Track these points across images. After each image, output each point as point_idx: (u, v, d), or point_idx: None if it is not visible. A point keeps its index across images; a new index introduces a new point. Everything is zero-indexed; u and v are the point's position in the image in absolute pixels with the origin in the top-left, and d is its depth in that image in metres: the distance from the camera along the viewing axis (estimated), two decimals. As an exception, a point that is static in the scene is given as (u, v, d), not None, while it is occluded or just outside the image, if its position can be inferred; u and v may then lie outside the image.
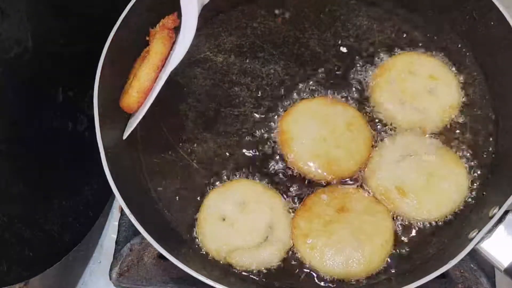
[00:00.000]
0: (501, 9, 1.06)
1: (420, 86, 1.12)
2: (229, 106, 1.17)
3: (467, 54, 1.17)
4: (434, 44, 1.18)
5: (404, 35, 1.20)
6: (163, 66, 1.05)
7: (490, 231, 0.91)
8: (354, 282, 1.00)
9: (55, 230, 1.12)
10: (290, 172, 1.09)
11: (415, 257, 1.01)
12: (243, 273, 1.02)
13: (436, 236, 1.02)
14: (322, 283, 1.01)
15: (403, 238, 1.03)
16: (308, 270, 1.01)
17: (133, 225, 0.96)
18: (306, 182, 1.08)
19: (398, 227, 1.03)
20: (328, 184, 1.07)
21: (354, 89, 1.15)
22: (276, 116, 1.14)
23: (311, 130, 1.09)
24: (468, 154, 1.08)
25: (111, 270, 1.12)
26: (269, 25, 1.23)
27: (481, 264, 1.06)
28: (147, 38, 1.10)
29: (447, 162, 1.05)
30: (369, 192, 1.06)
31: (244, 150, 1.12)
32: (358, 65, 1.17)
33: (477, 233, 0.91)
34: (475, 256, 1.04)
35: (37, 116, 1.10)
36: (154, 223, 1.02)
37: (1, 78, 1.00)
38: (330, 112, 1.11)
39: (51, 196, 1.12)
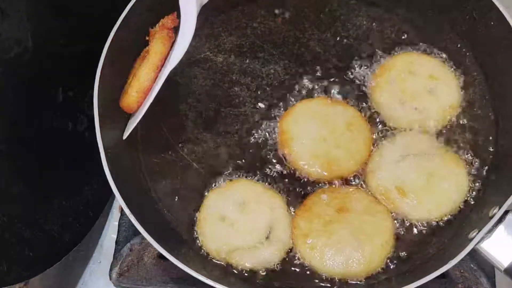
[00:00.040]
0: (501, 9, 1.06)
1: (420, 86, 1.12)
2: (229, 106, 1.17)
3: (467, 54, 1.17)
4: (434, 44, 1.18)
5: (404, 35, 1.20)
6: (162, 65, 1.05)
7: (490, 231, 0.91)
8: (354, 282, 1.00)
9: (55, 230, 1.12)
10: (290, 172, 1.09)
11: (415, 257, 1.01)
12: (243, 273, 1.02)
13: (436, 236, 1.02)
14: (322, 283, 1.01)
15: (403, 238, 1.03)
16: (308, 270, 1.01)
17: (133, 225, 0.96)
18: (306, 182, 1.08)
19: (398, 227, 1.03)
20: (328, 184, 1.07)
21: (354, 89, 1.15)
22: (276, 116, 1.14)
23: (311, 130, 1.09)
24: (468, 154, 1.08)
25: (111, 270, 1.12)
26: (269, 25, 1.23)
27: (481, 264, 1.06)
28: (147, 38, 1.10)
29: (447, 162, 1.05)
30: (369, 192, 1.05)
31: (244, 150, 1.12)
32: (358, 65, 1.17)
33: (477, 233, 0.91)
34: (475, 256, 1.04)
35: (37, 116, 1.10)
36: (154, 223, 1.02)
37: (1, 78, 1.00)
38: (330, 112, 1.11)
39: (51, 196, 1.12)
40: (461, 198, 1.03)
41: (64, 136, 1.17)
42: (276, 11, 1.24)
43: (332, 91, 1.15)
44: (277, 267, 1.02)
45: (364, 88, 1.15)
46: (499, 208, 0.91)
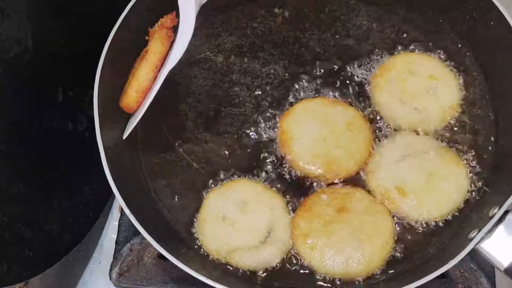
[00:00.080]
0: (501, 9, 1.06)
1: (420, 86, 1.12)
2: (229, 106, 1.17)
3: (467, 54, 1.17)
4: (434, 44, 1.18)
5: (404, 35, 1.20)
6: (162, 65, 1.05)
7: (490, 231, 0.91)
8: (354, 282, 1.00)
9: (55, 230, 1.12)
10: (290, 172, 1.09)
11: (415, 257, 1.01)
12: (243, 273, 1.02)
13: (436, 236, 1.02)
14: (322, 283, 1.01)
15: (403, 238, 1.03)
16: (308, 270, 1.01)
17: (133, 225, 0.96)
18: (306, 182, 1.08)
19: (398, 227, 1.03)
20: (328, 184, 1.07)
21: (354, 89, 1.15)
22: (276, 116, 1.14)
23: (311, 130, 1.09)
24: (468, 154, 1.08)
25: (111, 270, 1.12)
26: (269, 25, 1.23)
27: (481, 264, 1.06)
28: (147, 38, 1.10)
29: (447, 162, 1.05)
30: (369, 192, 1.05)
31: (244, 150, 1.12)
32: (358, 65, 1.17)
33: (477, 233, 0.91)
34: (475, 256, 1.04)
35: (37, 116, 1.10)
36: (154, 223, 1.02)
37: (1, 78, 1.00)
38: (330, 112, 1.11)
39: (51, 196, 1.12)
40: (461, 198, 1.03)
41: (64, 136, 1.17)
42: (276, 10, 1.24)
43: (332, 91, 1.15)
44: (277, 267, 1.02)
45: (364, 88, 1.15)
46: (499, 208, 0.91)
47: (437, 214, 1.02)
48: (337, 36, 1.21)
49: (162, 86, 1.03)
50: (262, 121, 1.14)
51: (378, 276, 1.00)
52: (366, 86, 1.15)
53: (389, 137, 1.10)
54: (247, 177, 1.09)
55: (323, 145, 1.08)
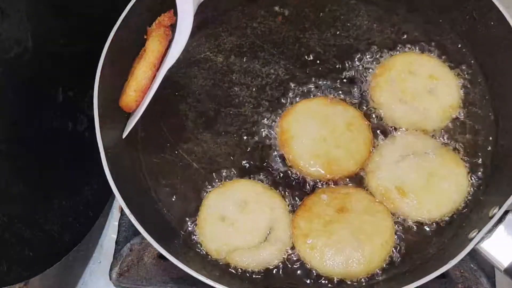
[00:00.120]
0: (501, 9, 1.06)
1: (420, 86, 1.12)
2: (229, 106, 1.17)
3: (467, 54, 1.17)
4: (434, 44, 1.18)
5: (404, 35, 1.20)
6: (160, 64, 1.05)
7: (490, 231, 0.91)
8: (354, 282, 1.00)
9: (55, 230, 1.12)
10: (290, 172, 1.09)
11: (415, 257, 1.01)
12: (243, 273, 1.02)
13: (436, 236, 1.02)
14: (322, 283, 1.00)
15: (403, 238, 1.03)
16: (308, 270, 1.01)
17: (133, 225, 0.96)
18: (306, 182, 1.08)
19: (398, 227, 1.03)
20: (328, 184, 1.07)
21: (354, 89, 1.15)
22: (276, 116, 1.14)
23: (311, 130, 1.09)
24: (469, 154, 1.08)
25: (111, 270, 1.12)
26: (269, 25, 1.23)
27: (481, 264, 1.06)
28: (145, 37, 1.10)
29: (447, 162, 1.05)
30: (369, 192, 1.05)
31: (244, 150, 1.12)
32: (358, 65, 1.17)
33: (477, 233, 0.91)
34: (475, 256, 1.04)
35: (37, 116, 1.10)
36: (154, 223, 1.02)
37: (1, 78, 1.00)
38: (330, 112, 1.11)
39: (51, 196, 1.12)
40: (461, 198, 1.03)
41: (64, 136, 1.17)
42: (276, 9, 1.24)
43: (332, 91, 1.15)
44: (277, 267, 1.02)
45: (364, 88, 1.15)
46: (499, 208, 0.91)
47: (437, 214, 1.02)
48: (337, 36, 1.21)
49: (161, 86, 1.03)
50: (262, 121, 1.14)
51: (378, 276, 1.00)
52: (366, 86, 1.15)
53: (389, 137, 1.10)
54: (247, 177, 1.09)
55: (323, 145, 1.08)
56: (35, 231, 1.07)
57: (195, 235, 1.06)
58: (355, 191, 1.06)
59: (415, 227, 1.03)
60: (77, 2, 1.16)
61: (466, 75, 1.14)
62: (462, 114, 1.11)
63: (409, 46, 1.18)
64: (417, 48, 1.18)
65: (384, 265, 1.01)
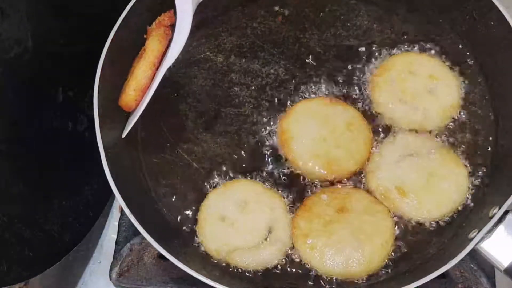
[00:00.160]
0: (501, 9, 1.06)
1: (420, 86, 1.12)
2: (229, 106, 1.16)
3: (467, 54, 1.17)
4: (434, 44, 1.18)
5: (404, 35, 1.20)
6: (159, 63, 1.05)
7: (490, 231, 0.91)
8: (354, 282, 1.00)
9: (55, 230, 1.12)
10: (290, 172, 1.09)
11: (415, 257, 1.01)
12: (243, 273, 1.02)
13: (436, 236, 1.02)
14: (322, 283, 1.00)
15: (403, 238, 1.03)
16: (308, 270, 1.01)
17: (133, 225, 0.96)
18: (306, 182, 1.08)
19: (398, 227, 1.03)
20: (328, 184, 1.07)
21: (354, 89, 1.15)
22: (276, 116, 1.14)
23: (311, 130, 1.09)
24: (468, 154, 1.08)
25: (111, 270, 1.12)
26: (269, 25, 1.23)
27: (481, 264, 1.06)
28: (145, 36, 1.10)
29: (447, 162, 1.05)
30: (369, 192, 1.05)
31: (244, 150, 1.12)
32: (358, 65, 1.17)
33: (477, 233, 0.91)
34: (475, 256, 1.04)
35: (37, 116, 1.10)
36: (154, 223, 1.02)
37: (1, 78, 1.00)
38: (330, 112, 1.11)
39: (51, 196, 1.13)
40: (461, 198, 1.03)
41: (64, 136, 1.17)
42: (276, 9, 1.24)
43: (332, 91, 1.15)
44: (277, 267, 1.02)
45: (364, 88, 1.15)
46: (499, 208, 0.91)
47: (437, 214, 1.02)
48: (337, 36, 1.21)
49: (161, 86, 1.03)
50: (262, 121, 1.14)
51: (378, 276, 1.00)
52: (366, 86, 1.15)
53: (389, 137, 1.10)
54: (247, 177, 1.09)
55: (323, 145, 1.08)
56: (35, 231, 1.07)
57: (195, 235, 1.06)
58: (355, 191, 1.06)
59: (415, 227, 1.03)
60: (77, 2, 1.16)
61: (466, 75, 1.14)
62: (462, 114, 1.11)
63: (409, 46, 1.18)
64: (417, 48, 1.18)
65: (384, 265, 1.00)
